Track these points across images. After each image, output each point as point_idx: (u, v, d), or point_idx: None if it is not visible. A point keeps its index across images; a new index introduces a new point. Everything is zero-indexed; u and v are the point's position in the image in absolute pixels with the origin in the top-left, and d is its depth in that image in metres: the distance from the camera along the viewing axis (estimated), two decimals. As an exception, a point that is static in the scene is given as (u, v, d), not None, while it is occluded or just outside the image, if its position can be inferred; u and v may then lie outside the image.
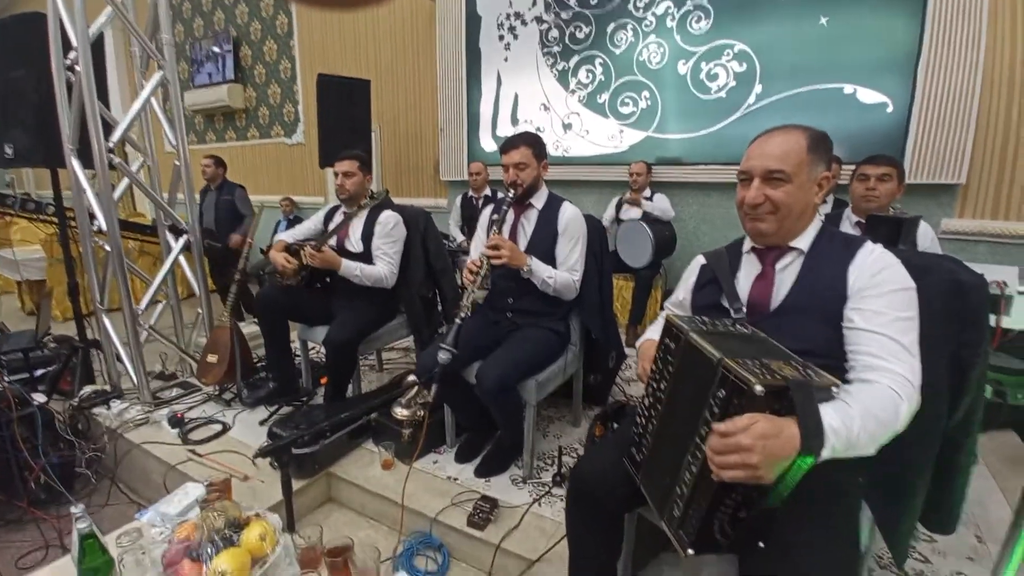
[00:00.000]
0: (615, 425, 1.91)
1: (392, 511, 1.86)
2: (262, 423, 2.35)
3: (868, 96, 3.14)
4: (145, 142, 2.62)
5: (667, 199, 3.59)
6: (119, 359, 2.51)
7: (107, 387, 2.60)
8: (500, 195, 4.12)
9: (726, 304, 1.13)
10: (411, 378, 2.33)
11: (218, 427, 2.32)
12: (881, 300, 0.97)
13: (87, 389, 2.58)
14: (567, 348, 2.09)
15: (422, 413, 2.09)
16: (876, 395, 0.88)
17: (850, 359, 0.97)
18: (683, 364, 0.95)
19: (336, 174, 2.42)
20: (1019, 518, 1.15)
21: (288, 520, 1.33)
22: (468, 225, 4.23)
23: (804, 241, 1.09)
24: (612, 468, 1.12)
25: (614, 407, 1.98)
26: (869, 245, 1.05)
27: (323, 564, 1.14)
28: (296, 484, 1.91)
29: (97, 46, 2.28)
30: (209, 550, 1.04)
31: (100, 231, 2.28)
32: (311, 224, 2.58)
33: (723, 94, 3.55)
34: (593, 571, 1.22)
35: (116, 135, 2.20)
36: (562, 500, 1.82)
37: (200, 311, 2.75)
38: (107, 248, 2.28)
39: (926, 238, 2.10)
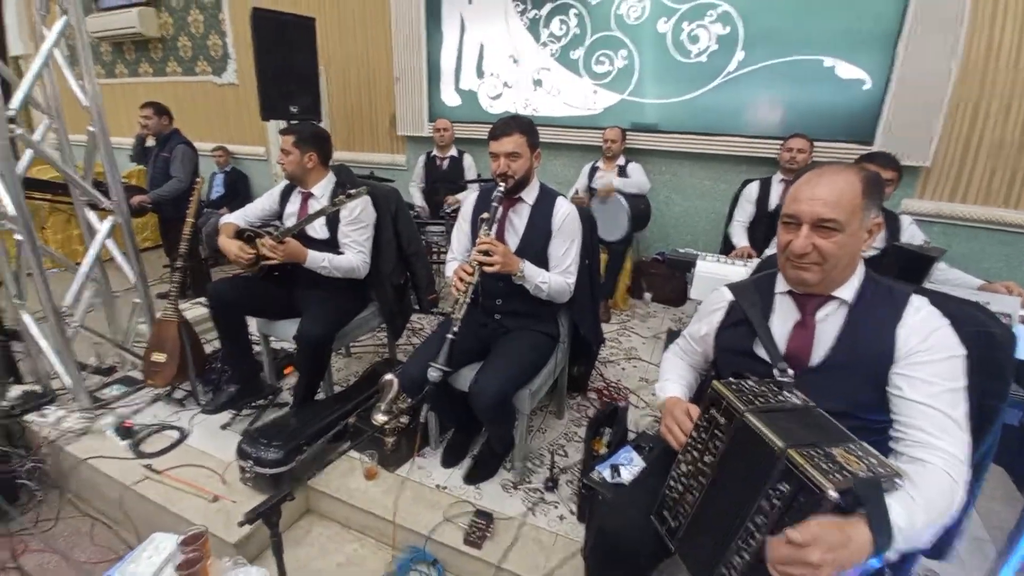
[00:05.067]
0: (609, 430, 1.89)
1: (380, 524, 1.79)
2: (224, 427, 2.17)
3: (846, 71, 3.08)
4: (51, 100, 2.16)
5: (642, 170, 3.48)
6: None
7: (37, 387, 2.29)
8: (467, 157, 3.86)
9: (762, 355, 1.07)
10: (388, 377, 2.20)
11: (175, 435, 2.11)
12: (931, 368, 0.93)
13: (15, 390, 2.26)
14: (557, 347, 2.01)
15: (405, 419, 2.00)
16: (935, 483, 0.86)
17: (898, 431, 0.95)
18: (735, 444, 0.89)
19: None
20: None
21: (281, 580, 1.21)
22: (431, 188, 3.95)
23: (848, 291, 1.03)
24: (640, 527, 1.07)
25: (605, 412, 1.95)
26: (915, 301, 1.00)
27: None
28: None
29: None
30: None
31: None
32: (265, 203, 2.28)
33: (704, 58, 3.39)
34: None
35: (17, 99, 1.79)
36: (555, 507, 1.82)
37: (138, 301, 2.43)
38: (18, 237, 1.91)
39: (908, 233, 2.13)
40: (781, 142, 2.93)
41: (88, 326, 2.36)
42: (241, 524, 1.12)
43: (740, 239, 2.93)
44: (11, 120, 1.74)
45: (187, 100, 5.59)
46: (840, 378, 1.01)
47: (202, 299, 2.88)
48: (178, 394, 2.34)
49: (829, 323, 1.04)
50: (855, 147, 3.08)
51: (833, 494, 0.72)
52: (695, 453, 0.97)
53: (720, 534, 0.90)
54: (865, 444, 0.85)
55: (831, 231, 0.97)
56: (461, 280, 1.65)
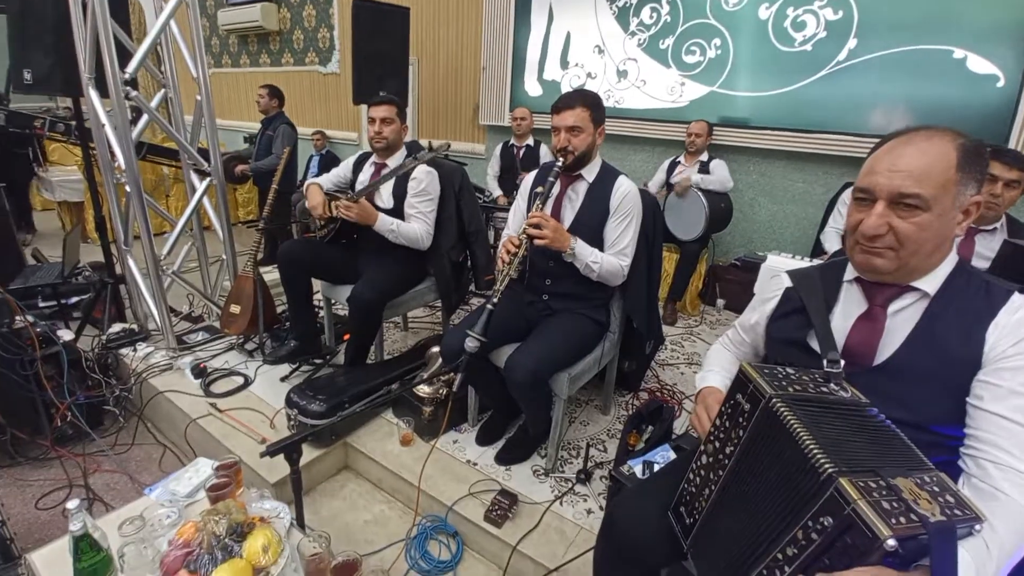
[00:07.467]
0: (650, 428, 1.77)
1: (408, 489, 1.81)
2: (283, 379, 2.31)
3: (979, 65, 2.66)
4: (167, 71, 2.43)
5: (725, 167, 3.24)
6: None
7: (135, 326, 2.59)
8: (543, 147, 3.84)
9: (815, 347, 0.93)
10: (435, 349, 2.24)
11: (240, 380, 2.28)
12: (1021, 376, 0.75)
13: (116, 327, 2.57)
14: (605, 336, 1.92)
15: (445, 391, 2.01)
16: (1012, 520, 0.69)
17: (971, 448, 0.78)
18: (759, 436, 0.77)
19: (372, 119, 2.19)
20: None
21: (298, 517, 1.26)
22: (505, 176, 3.97)
23: (932, 282, 0.86)
24: (654, 522, 0.98)
25: (650, 408, 1.83)
26: (1017, 300, 0.81)
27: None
28: (313, 452, 1.88)
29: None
30: (207, 561, 0.97)
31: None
32: (340, 171, 2.40)
33: (808, 47, 3.09)
34: None
35: (132, 65, 2.02)
36: (584, 500, 1.73)
37: (224, 257, 2.67)
38: (128, 188, 2.16)
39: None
40: (893, 141, 2.59)
41: (183, 277, 2.63)
42: (262, 455, 1.17)
43: (832, 246, 2.63)
44: (127, 83, 1.96)
45: (296, 87, 6.09)
46: (909, 382, 0.84)
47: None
48: (249, 346, 2.53)
49: (903, 317, 0.88)
50: (987, 150, 2.64)
51: (891, 543, 0.58)
52: (717, 443, 0.86)
53: (740, 551, 0.78)
54: (942, 476, 0.68)
55: (913, 209, 0.80)
56: (508, 252, 1.62)
